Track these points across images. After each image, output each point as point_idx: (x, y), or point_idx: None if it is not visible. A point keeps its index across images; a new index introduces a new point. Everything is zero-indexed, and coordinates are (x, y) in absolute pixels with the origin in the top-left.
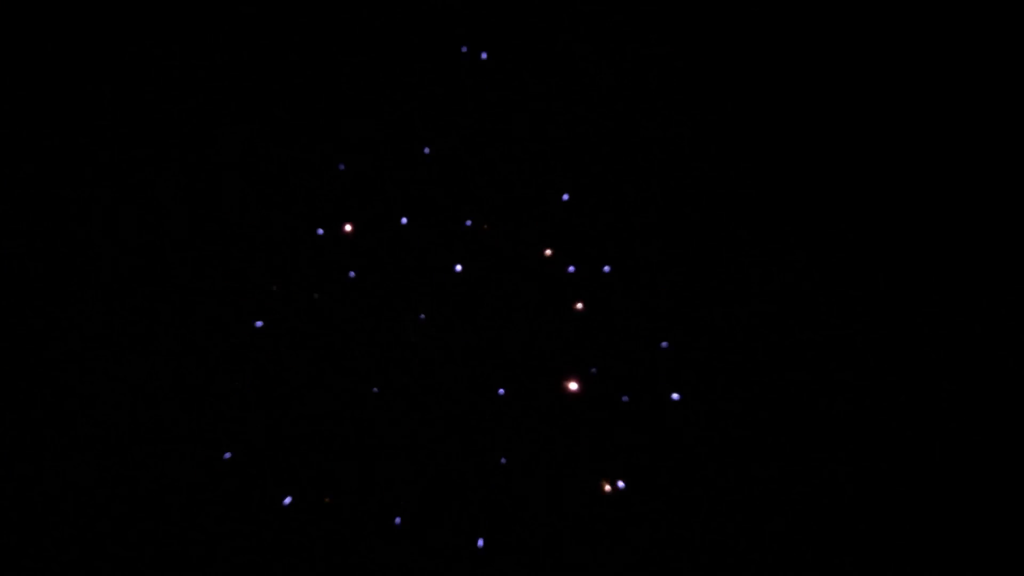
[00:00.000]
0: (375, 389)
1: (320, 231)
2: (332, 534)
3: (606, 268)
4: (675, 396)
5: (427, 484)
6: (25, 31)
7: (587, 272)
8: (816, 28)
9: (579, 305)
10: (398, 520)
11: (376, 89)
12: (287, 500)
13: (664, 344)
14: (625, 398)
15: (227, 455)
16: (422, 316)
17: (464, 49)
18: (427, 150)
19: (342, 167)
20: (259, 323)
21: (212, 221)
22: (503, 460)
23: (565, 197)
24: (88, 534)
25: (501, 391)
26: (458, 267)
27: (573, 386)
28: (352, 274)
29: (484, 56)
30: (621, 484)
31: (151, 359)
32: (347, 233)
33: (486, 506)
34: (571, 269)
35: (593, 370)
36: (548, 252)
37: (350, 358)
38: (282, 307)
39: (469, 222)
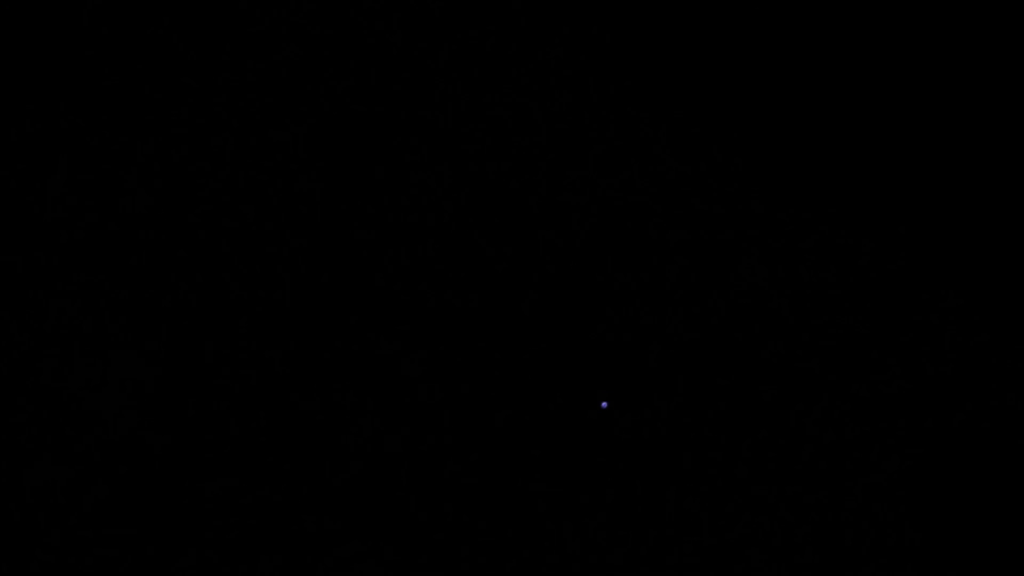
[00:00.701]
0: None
1: (319, 232)
2: (331, 534)
3: (625, 266)
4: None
5: (427, 486)
6: (24, 31)
7: (586, 273)
8: (817, 28)
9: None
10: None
11: (375, 88)
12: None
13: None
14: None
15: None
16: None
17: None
18: (425, 151)
19: (341, 165)
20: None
21: (210, 220)
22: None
23: (564, 196)
24: (87, 534)
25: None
26: (460, 271)
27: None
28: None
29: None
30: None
31: (147, 358)
32: (345, 232)
33: (486, 507)
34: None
35: (605, 404)
36: (546, 253)
37: (350, 359)
38: (282, 306)
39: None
